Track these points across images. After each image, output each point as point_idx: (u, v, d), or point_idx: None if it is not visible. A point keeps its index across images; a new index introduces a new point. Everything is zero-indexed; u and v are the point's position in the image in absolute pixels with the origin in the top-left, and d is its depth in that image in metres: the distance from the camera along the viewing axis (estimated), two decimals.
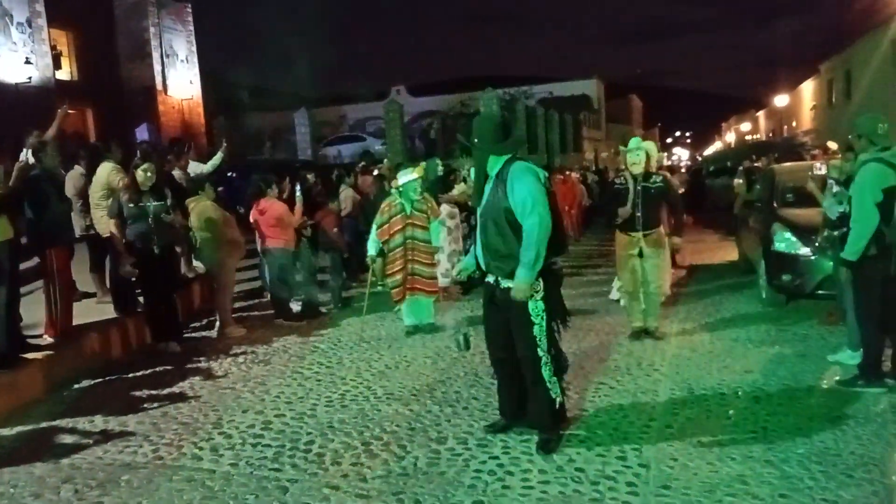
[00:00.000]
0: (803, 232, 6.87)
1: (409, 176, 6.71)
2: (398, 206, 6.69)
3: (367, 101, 39.46)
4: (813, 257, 6.68)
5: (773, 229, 7.24)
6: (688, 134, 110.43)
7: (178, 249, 7.26)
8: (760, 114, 59.30)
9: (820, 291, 6.65)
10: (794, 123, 43.42)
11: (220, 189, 8.12)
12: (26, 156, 6.33)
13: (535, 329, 3.87)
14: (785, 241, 7.03)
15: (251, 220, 7.60)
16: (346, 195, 9.31)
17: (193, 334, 7.28)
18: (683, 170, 27.32)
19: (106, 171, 6.96)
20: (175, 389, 5.44)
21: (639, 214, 6.07)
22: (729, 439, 4.08)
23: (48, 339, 5.99)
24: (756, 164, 15.66)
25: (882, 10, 24.00)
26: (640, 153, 6.05)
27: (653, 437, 4.15)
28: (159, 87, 25.21)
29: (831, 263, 5.80)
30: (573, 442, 4.09)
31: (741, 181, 13.39)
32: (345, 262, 8.65)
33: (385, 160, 15.91)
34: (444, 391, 5.12)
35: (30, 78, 19.40)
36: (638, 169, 6.06)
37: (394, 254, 6.70)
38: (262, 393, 5.27)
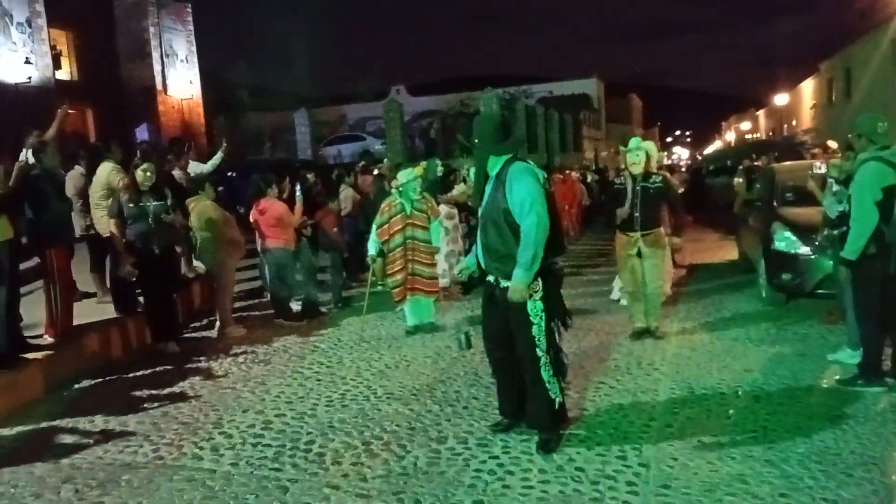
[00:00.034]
0: (803, 231, 6.87)
1: (408, 176, 6.72)
2: (398, 206, 6.69)
3: (367, 100, 39.46)
4: (813, 256, 6.68)
5: (773, 228, 7.25)
6: (688, 133, 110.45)
7: (178, 249, 7.26)
8: (760, 113, 59.30)
9: (820, 290, 6.65)
10: (794, 122, 43.42)
11: (220, 189, 8.13)
12: (26, 156, 6.34)
13: (534, 329, 3.87)
14: (785, 241, 7.03)
15: (251, 220, 7.60)
16: (346, 195, 9.31)
17: (193, 334, 7.28)
18: (683, 169, 27.33)
19: (106, 171, 6.96)
20: (175, 389, 5.44)
21: (637, 215, 6.07)
22: (729, 439, 4.08)
23: (48, 339, 5.99)
24: (756, 164, 15.69)
25: (882, 10, 24.01)
26: (639, 153, 6.05)
27: (653, 437, 4.15)
28: (159, 86, 25.23)
29: (831, 262, 5.80)
30: (573, 441, 4.10)
31: (741, 180, 13.41)
32: (345, 262, 8.65)
33: (385, 160, 15.92)
34: (445, 391, 5.12)
35: (29, 78, 19.41)
36: (637, 169, 6.06)
37: (394, 254, 6.70)
38: (262, 393, 5.27)
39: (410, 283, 6.75)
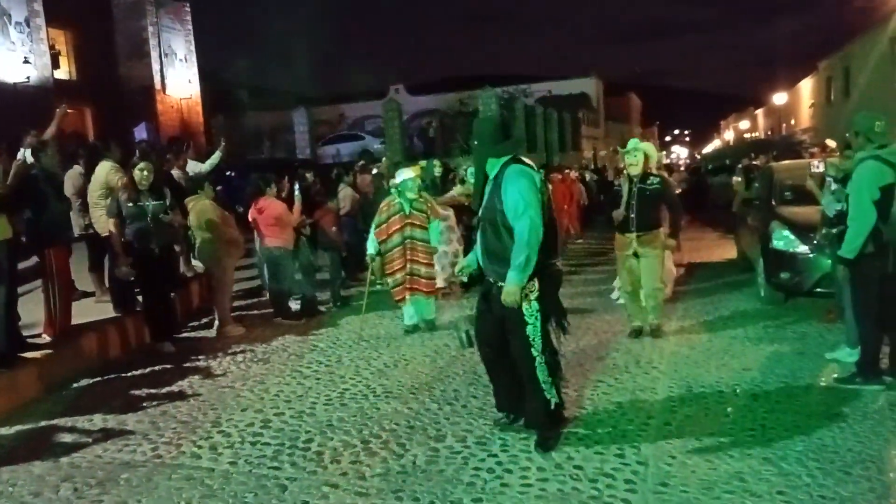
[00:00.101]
0: (802, 230, 6.88)
1: (405, 174, 6.72)
2: (397, 205, 6.69)
3: (366, 99, 39.44)
4: (811, 255, 6.69)
5: (771, 227, 7.25)
6: (686, 132, 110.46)
7: (176, 249, 7.27)
8: (759, 112, 59.31)
9: (818, 289, 6.66)
10: (792, 121, 43.43)
11: (218, 188, 8.13)
12: (24, 155, 6.33)
13: (529, 329, 3.86)
14: (783, 239, 7.04)
15: (250, 219, 7.61)
16: (345, 194, 9.31)
17: (192, 333, 7.28)
18: (682, 168, 27.34)
19: (105, 171, 6.96)
20: (174, 388, 5.44)
21: (633, 216, 6.07)
22: (727, 437, 4.09)
23: (47, 339, 5.99)
24: (755, 163, 15.68)
25: (881, 8, 24.01)
26: (637, 154, 6.05)
27: (651, 435, 4.15)
28: (158, 86, 25.22)
29: (829, 261, 5.81)
30: (571, 440, 4.10)
31: (740, 179, 13.40)
32: (343, 261, 8.65)
33: (384, 159, 15.92)
34: (443, 389, 5.13)
35: (28, 77, 19.40)
36: (635, 170, 6.06)
37: (392, 253, 6.70)
38: (261, 391, 5.27)
39: (410, 282, 6.75)
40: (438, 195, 8.76)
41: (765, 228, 7.44)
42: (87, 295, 7.47)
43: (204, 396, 5.21)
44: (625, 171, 6.21)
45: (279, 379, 5.57)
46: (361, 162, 12.38)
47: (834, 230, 5.32)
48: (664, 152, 40.57)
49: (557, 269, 4.05)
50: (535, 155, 24.43)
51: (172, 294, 7.00)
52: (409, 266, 6.72)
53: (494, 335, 4.05)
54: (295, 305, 7.81)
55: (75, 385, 5.60)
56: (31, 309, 6.25)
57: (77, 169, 7.57)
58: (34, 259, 6.28)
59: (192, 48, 27.57)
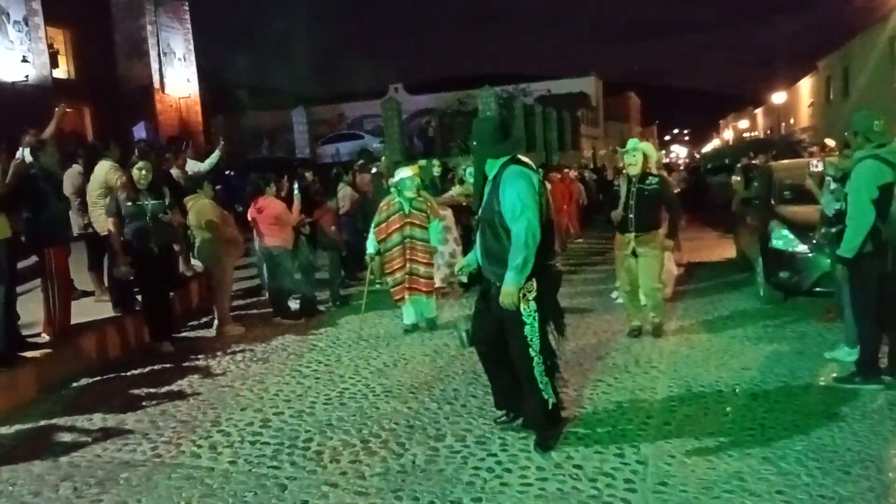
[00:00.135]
0: (801, 229, 6.88)
1: (403, 173, 6.72)
2: (396, 204, 6.69)
3: (365, 99, 39.44)
4: (810, 254, 6.70)
5: (770, 226, 7.26)
6: (686, 131, 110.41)
7: (176, 248, 7.27)
8: (758, 111, 59.29)
9: (817, 288, 6.67)
10: (791, 121, 43.44)
11: (218, 187, 8.13)
12: (23, 154, 6.33)
13: (527, 329, 3.86)
14: (782, 239, 7.04)
15: (249, 219, 7.61)
16: (345, 193, 9.31)
17: (191, 333, 7.28)
18: (682, 167, 27.34)
19: (104, 170, 6.96)
20: (174, 387, 5.44)
21: (631, 216, 6.06)
22: (727, 436, 4.09)
23: (46, 338, 5.99)
24: (754, 162, 15.67)
25: (880, 8, 24.02)
26: (636, 154, 6.04)
27: (651, 435, 4.16)
28: (157, 85, 25.17)
29: (829, 260, 5.82)
30: (571, 439, 4.10)
31: (739, 179, 13.41)
32: (343, 261, 8.65)
33: (383, 158, 15.91)
34: (443, 389, 5.13)
35: (27, 76, 19.36)
36: (634, 170, 6.06)
37: (392, 253, 6.70)
38: (260, 391, 5.27)
39: (409, 282, 6.75)
40: (437, 195, 8.75)
41: (764, 228, 7.44)
42: (86, 294, 7.47)
43: (203, 396, 5.21)
44: (624, 171, 6.20)
45: (279, 378, 5.57)
46: (361, 161, 12.38)
47: (833, 229, 5.33)
48: (663, 151, 40.54)
49: (556, 269, 4.04)
50: (535, 154, 24.41)
51: (172, 293, 7.00)
52: (408, 265, 6.71)
53: (492, 334, 4.05)
54: (294, 305, 7.81)
55: (75, 384, 5.60)
56: (31, 308, 6.26)
57: (76, 168, 7.57)
58: (33, 258, 6.28)
59: (191, 47, 27.52)
